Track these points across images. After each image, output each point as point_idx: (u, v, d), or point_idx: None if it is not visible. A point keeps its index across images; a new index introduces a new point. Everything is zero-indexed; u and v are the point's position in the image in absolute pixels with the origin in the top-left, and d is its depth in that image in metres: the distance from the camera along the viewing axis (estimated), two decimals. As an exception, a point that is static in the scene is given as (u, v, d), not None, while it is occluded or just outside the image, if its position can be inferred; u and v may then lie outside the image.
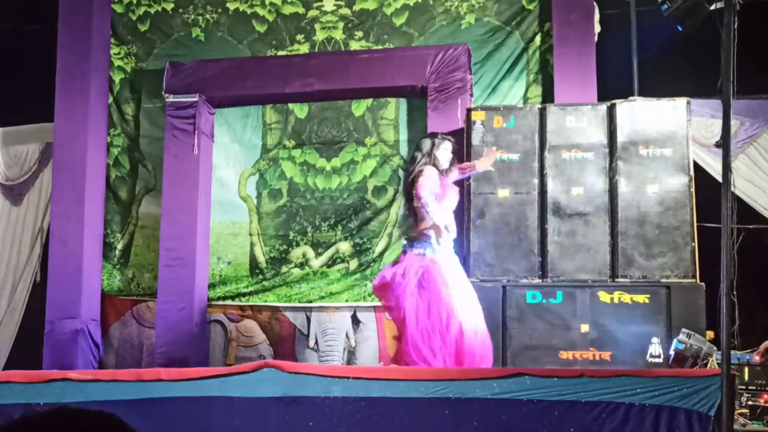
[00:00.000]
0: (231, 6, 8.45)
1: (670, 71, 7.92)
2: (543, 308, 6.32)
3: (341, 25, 8.28)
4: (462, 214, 6.59)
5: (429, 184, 6.03)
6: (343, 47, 8.26)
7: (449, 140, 6.40)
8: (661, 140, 6.49)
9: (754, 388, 5.46)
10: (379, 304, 7.82)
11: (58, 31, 8.21)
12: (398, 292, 5.90)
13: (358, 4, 8.25)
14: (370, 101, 8.20)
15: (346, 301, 8.02)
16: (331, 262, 8.16)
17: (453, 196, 6.22)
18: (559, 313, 6.30)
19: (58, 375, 5.24)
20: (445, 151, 6.29)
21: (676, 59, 7.88)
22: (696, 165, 6.92)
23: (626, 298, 6.24)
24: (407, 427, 4.73)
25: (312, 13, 8.33)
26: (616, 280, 6.35)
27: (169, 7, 8.55)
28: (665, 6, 7.03)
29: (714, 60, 4.80)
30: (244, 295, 8.23)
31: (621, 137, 6.52)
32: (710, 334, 5.83)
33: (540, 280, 6.43)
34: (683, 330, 5.56)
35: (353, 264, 8.10)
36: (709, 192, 6.64)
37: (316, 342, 8.01)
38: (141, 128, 8.54)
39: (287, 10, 8.37)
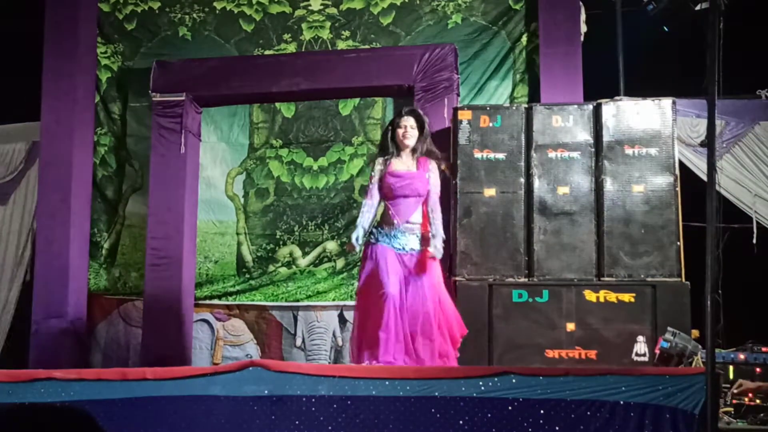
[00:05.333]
0: (218, 5, 8.44)
1: (656, 71, 7.94)
2: (529, 307, 6.33)
3: (328, 24, 8.28)
4: (448, 212, 6.59)
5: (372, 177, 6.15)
6: (330, 47, 8.26)
7: (410, 112, 6.19)
8: (646, 140, 6.51)
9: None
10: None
11: (45, 30, 8.19)
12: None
13: (345, 4, 8.26)
14: (357, 101, 8.22)
15: (333, 300, 8.03)
16: (318, 261, 8.17)
17: (409, 185, 6.04)
18: (545, 311, 6.31)
19: (43, 374, 5.22)
20: (402, 129, 6.10)
21: (661, 59, 7.91)
22: (681, 164, 6.94)
23: (612, 297, 6.26)
24: (393, 426, 4.73)
25: (299, 12, 8.33)
26: (602, 279, 6.37)
27: (156, 6, 8.54)
28: (651, 6, 7.06)
29: (699, 60, 4.81)
30: (231, 294, 8.23)
31: (607, 137, 6.54)
32: (695, 332, 5.85)
33: (526, 279, 6.44)
34: (668, 329, 5.57)
35: (340, 263, 8.11)
36: (694, 191, 6.67)
37: (303, 341, 8.01)
38: (128, 127, 8.53)
39: (274, 9, 8.38)
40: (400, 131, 6.07)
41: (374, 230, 6.01)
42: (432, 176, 6.07)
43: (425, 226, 5.99)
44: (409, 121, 6.09)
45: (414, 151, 6.09)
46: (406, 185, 6.00)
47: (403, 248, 5.92)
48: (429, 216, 6.01)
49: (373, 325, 5.75)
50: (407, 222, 5.96)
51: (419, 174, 6.04)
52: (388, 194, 6.03)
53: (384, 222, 6.02)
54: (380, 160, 6.13)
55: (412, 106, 6.52)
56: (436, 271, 5.97)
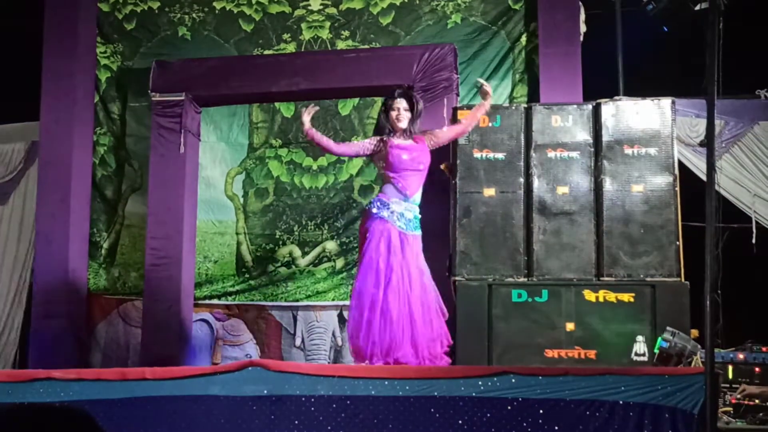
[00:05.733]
0: (217, 5, 8.45)
1: (656, 71, 7.95)
2: (528, 307, 6.32)
3: (328, 24, 8.28)
4: (448, 212, 6.60)
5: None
6: (329, 46, 8.27)
7: (402, 94, 6.24)
8: (646, 139, 6.51)
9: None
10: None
11: (44, 29, 8.19)
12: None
13: (345, 4, 8.26)
14: (356, 100, 8.22)
15: (333, 299, 8.03)
16: (318, 261, 8.18)
17: (416, 157, 6.11)
18: (544, 311, 6.30)
19: (42, 374, 5.22)
20: (395, 112, 6.16)
21: (661, 59, 7.92)
22: (681, 164, 6.94)
23: (611, 296, 6.25)
24: (393, 425, 4.74)
25: (298, 12, 8.34)
26: (602, 278, 6.36)
27: (156, 5, 8.54)
28: (650, 6, 7.06)
29: (699, 60, 4.82)
30: (230, 294, 8.24)
31: (606, 137, 6.53)
32: (694, 332, 5.86)
33: (525, 279, 6.43)
34: (668, 328, 5.57)
35: (339, 263, 8.11)
36: (693, 191, 6.67)
37: (303, 341, 8.01)
38: (127, 127, 8.53)
39: (274, 9, 8.38)
40: (393, 113, 6.14)
41: (378, 201, 6.03)
42: (431, 137, 6.19)
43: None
44: (401, 104, 6.15)
45: (406, 132, 6.15)
46: (414, 158, 6.06)
47: (405, 227, 5.97)
48: (457, 127, 6.31)
49: (381, 321, 5.80)
50: (412, 200, 6.03)
51: (420, 147, 6.12)
52: (395, 167, 6.04)
53: (390, 193, 6.03)
54: (376, 138, 6.18)
55: (403, 88, 6.52)
56: (422, 259, 6.08)
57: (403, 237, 5.95)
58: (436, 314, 6.00)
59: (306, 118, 6.14)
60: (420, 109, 6.20)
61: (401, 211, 5.97)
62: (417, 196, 6.08)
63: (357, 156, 6.41)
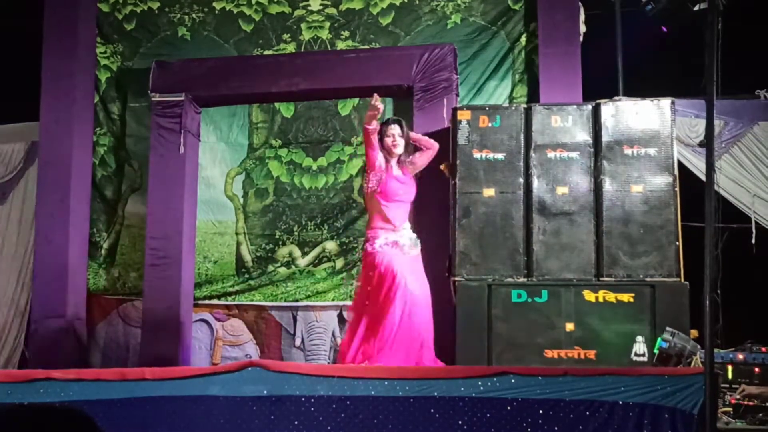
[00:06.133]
0: (217, 5, 8.44)
1: (655, 71, 7.95)
2: (528, 307, 6.33)
3: (327, 24, 8.28)
4: (447, 213, 6.60)
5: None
6: (329, 47, 8.26)
7: (395, 121, 6.47)
8: (645, 140, 6.51)
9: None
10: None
11: (44, 29, 8.18)
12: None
13: (345, 4, 8.25)
14: (356, 101, 8.22)
15: (333, 300, 8.03)
16: (318, 261, 8.18)
17: (407, 189, 6.37)
18: (544, 311, 6.30)
19: (41, 374, 5.22)
20: (390, 138, 6.37)
21: (660, 59, 7.92)
22: (680, 164, 6.94)
23: (611, 297, 6.25)
24: (392, 426, 4.74)
25: (298, 12, 8.33)
26: (601, 279, 6.36)
27: (155, 6, 8.54)
28: (649, 6, 7.06)
29: (698, 60, 4.82)
30: (230, 294, 8.23)
31: (606, 137, 6.53)
32: (694, 332, 5.86)
33: (525, 279, 6.43)
34: (667, 329, 5.57)
35: (339, 263, 8.11)
36: (693, 191, 6.67)
37: (303, 341, 8.01)
38: (127, 127, 8.53)
39: (273, 9, 8.37)
40: (389, 140, 6.40)
41: (371, 236, 6.17)
42: (410, 165, 6.44)
43: None
44: (395, 130, 6.43)
45: (401, 159, 6.42)
46: (406, 191, 6.37)
47: (401, 252, 6.20)
48: (427, 152, 6.53)
49: (388, 324, 5.90)
50: (402, 228, 6.26)
51: (409, 179, 6.44)
52: (388, 196, 6.28)
53: (380, 226, 6.24)
54: (384, 160, 6.35)
55: (394, 116, 6.71)
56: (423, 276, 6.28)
57: (408, 261, 6.16)
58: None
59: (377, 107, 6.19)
60: (408, 139, 6.42)
61: (395, 238, 6.17)
62: (406, 225, 6.32)
63: (367, 156, 6.42)
